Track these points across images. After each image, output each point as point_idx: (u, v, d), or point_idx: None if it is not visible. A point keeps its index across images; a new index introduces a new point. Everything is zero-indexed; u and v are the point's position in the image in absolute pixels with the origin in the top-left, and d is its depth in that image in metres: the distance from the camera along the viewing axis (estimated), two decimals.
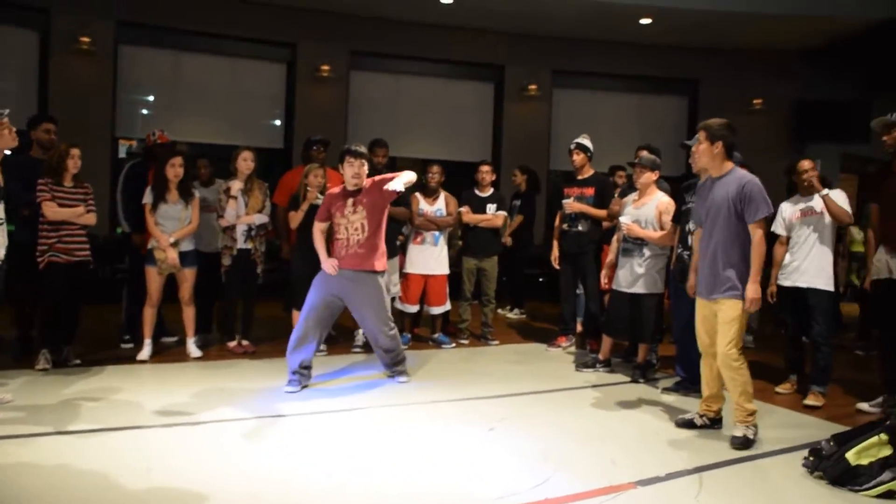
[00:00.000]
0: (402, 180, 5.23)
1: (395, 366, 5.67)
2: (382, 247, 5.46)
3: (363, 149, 5.43)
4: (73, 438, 4.10)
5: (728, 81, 11.76)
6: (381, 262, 5.44)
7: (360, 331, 6.64)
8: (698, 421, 4.73)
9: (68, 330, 5.70)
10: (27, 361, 5.59)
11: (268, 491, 3.49)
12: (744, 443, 4.35)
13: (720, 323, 4.40)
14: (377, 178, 5.41)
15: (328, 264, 5.33)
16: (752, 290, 4.30)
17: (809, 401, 5.41)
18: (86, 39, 9.33)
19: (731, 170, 4.46)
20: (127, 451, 3.94)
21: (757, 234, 4.30)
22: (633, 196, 6.00)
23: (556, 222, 6.94)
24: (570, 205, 6.66)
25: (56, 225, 5.41)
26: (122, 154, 10.07)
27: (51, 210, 5.37)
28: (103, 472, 3.62)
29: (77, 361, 5.67)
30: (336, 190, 5.49)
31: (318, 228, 5.50)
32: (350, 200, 5.36)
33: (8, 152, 4.89)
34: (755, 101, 11.82)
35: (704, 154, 4.48)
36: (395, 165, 10.64)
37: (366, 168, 5.40)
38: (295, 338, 5.35)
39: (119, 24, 9.68)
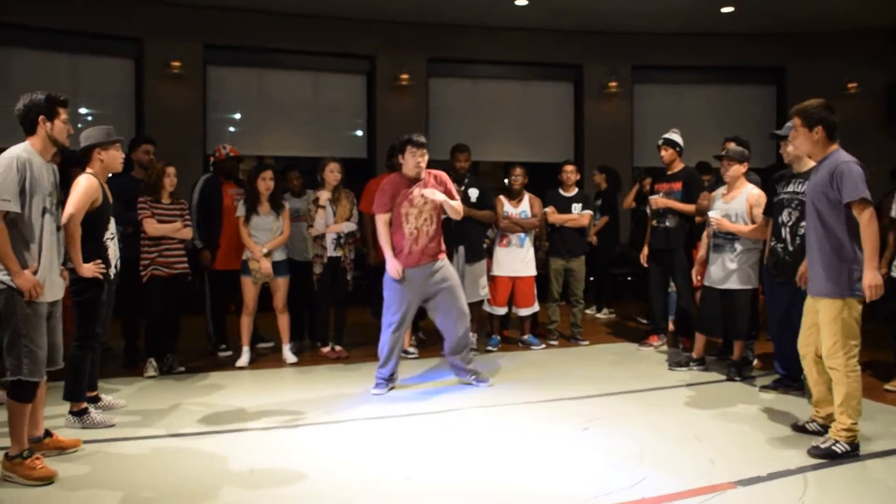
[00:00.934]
0: (454, 209, 5.41)
1: (468, 364, 5.64)
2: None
3: (424, 139, 5.44)
4: (182, 440, 4.31)
5: (817, 67, 11.29)
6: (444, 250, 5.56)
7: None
8: (810, 427, 4.43)
9: (170, 339, 5.97)
10: (136, 369, 5.90)
11: (363, 492, 3.57)
12: (823, 454, 3.98)
13: (821, 323, 4.10)
14: (440, 176, 5.52)
15: (395, 268, 5.35)
16: (870, 276, 3.85)
17: None
18: (176, 63, 9.76)
19: (833, 153, 4.08)
20: (231, 452, 4.10)
21: (864, 215, 3.86)
22: (722, 190, 5.85)
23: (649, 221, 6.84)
24: (656, 200, 6.56)
25: (156, 240, 5.68)
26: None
27: (151, 226, 5.64)
28: (210, 472, 3.80)
29: (181, 369, 5.94)
30: (391, 180, 5.50)
31: (383, 222, 5.44)
32: (415, 189, 5.40)
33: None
34: (850, 86, 11.29)
35: (804, 141, 4.17)
36: (478, 169, 10.70)
37: (427, 158, 5.43)
38: (387, 351, 5.44)
39: (206, 46, 10.08)
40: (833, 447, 4.00)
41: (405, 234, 5.37)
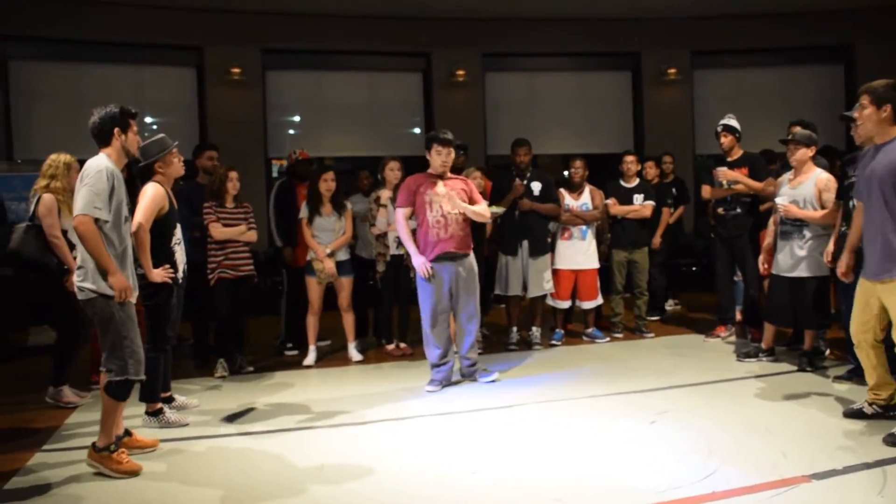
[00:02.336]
0: (480, 209, 5.45)
1: (474, 361, 5.65)
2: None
3: (451, 136, 5.47)
4: (254, 439, 4.42)
5: (887, 43, 10.85)
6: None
7: (515, 328, 6.81)
8: (868, 410, 4.38)
9: (239, 339, 6.11)
10: (207, 370, 6.06)
11: (431, 486, 3.61)
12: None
13: (889, 308, 4.01)
14: (465, 179, 5.68)
15: (422, 265, 5.36)
16: None
17: None
18: (236, 70, 9.97)
19: None
20: (301, 449, 4.19)
21: None
22: (789, 175, 5.70)
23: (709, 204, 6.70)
24: (725, 172, 6.36)
25: (222, 244, 5.82)
26: (274, 174, 10.66)
27: (217, 230, 5.78)
28: (282, 469, 3.90)
29: (250, 368, 6.09)
30: (413, 177, 5.52)
31: (404, 216, 5.46)
32: (439, 181, 5.43)
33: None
34: None
35: (870, 120, 4.07)
36: (537, 163, 10.64)
37: (453, 156, 5.49)
38: (430, 348, 5.48)
39: (264, 51, 10.27)
40: None
41: (430, 223, 5.36)
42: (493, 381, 5.57)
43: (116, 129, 3.94)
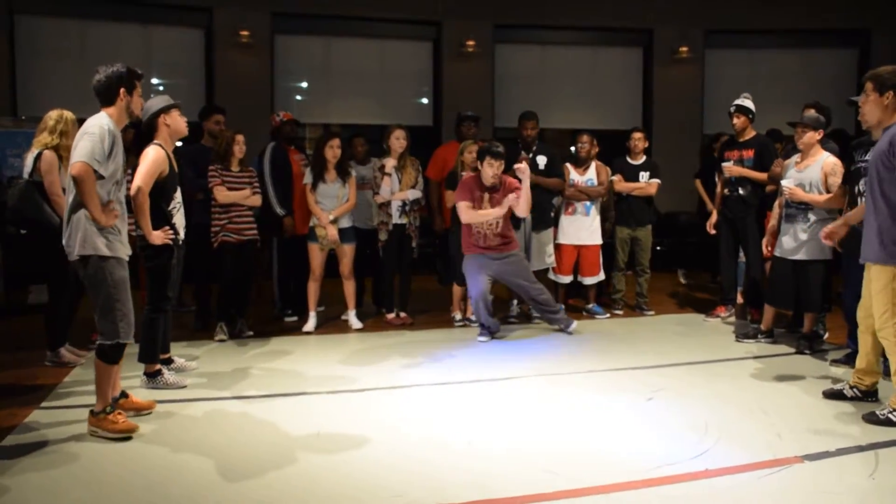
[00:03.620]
0: (526, 205, 5.95)
1: (555, 314, 6.25)
2: (512, 230, 6.12)
3: (502, 149, 5.94)
4: (251, 403, 4.44)
5: None
6: (516, 242, 6.14)
7: (515, 301, 6.87)
8: (848, 393, 4.44)
9: (241, 304, 6.12)
10: (207, 333, 6.08)
11: (425, 456, 3.63)
12: (877, 421, 4.00)
13: (873, 292, 4.06)
14: (512, 183, 5.96)
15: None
16: None
17: None
18: (245, 33, 9.87)
19: None
20: (297, 414, 4.22)
21: None
22: (796, 158, 5.66)
23: (717, 188, 6.68)
24: (729, 168, 6.38)
25: (226, 207, 5.80)
26: None
27: (221, 194, 5.76)
28: (278, 434, 3.91)
29: (250, 333, 6.10)
30: (472, 179, 5.88)
31: (468, 207, 5.95)
32: (487, 195, 5.94)
33: (179, 143, 5.29)
34: None
35: (873, 107, 4.08)
36: (545, 137, 10.58)
37: (503, 166, 5.92)
38: (478, 314, 6.10)
39: (274, 15, 10.16)
40: (889, 415, 4.01)
41: (472, 230, 5.98)
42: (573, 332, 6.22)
43: (122, 90, 3.90)
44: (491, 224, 5.94)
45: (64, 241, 3.86)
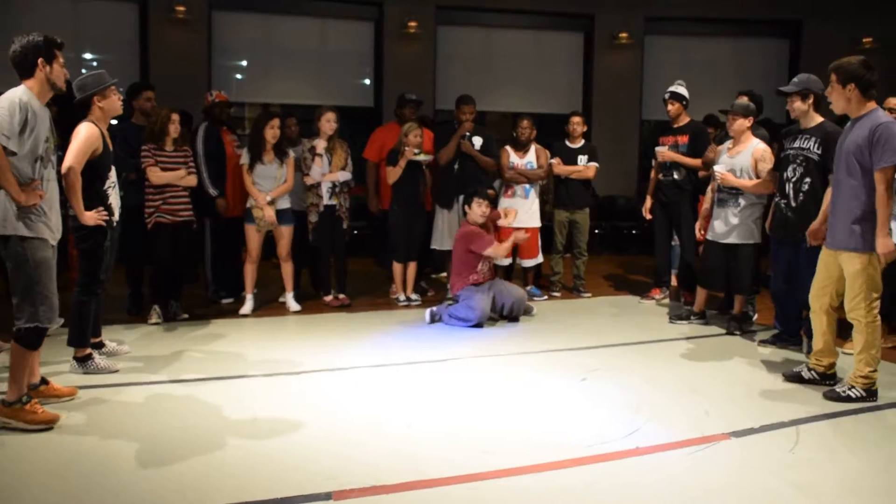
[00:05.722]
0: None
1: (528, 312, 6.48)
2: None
3: (491, 191, 6.43)
4: (186, 387, 4.36)
5: (836, 20, 11.02)
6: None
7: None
8: (806, 374, 4.54)
9: (175, 286, 6.01)
10: (140, 316, 5.95)
11: (364, 438, 3.64)
12: (837, 397, 4.20)
13: (846, 276, 4.18)
14: (494, 214, 6.44)
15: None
16: (882, 244, 3.99)
17: None
18: (181, 8, 9.57)
19: (871, 111, 4.11)
20: (234, 398, 4.17)
21: (881, 184, 3.95)
22: (728, 144, 5.81)
23: (652, 173, 6.81)
24: (662, 153, 6.52)
25: (160, 188, 5.66)
26: None
27: (155, 175, 5.62)
28: (213, 419, 3.86)
29: (185, 316, 5.99)
30: (473, 229, 6.18)
31: (495, 246, 6.20)
32: (485, 261, 6.27)
33: (114, 122, 5.13)
34: (865, 40, 11.02)
35: (838, 98, 4.18)
36: (485, 120, 10.62)
37: (490, 209, 6.29)
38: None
39: None
40: (849, 392, 4.19)
41: (479, 268, 6.22)
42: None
43: (40, 60, 3.70)
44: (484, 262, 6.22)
45: None
